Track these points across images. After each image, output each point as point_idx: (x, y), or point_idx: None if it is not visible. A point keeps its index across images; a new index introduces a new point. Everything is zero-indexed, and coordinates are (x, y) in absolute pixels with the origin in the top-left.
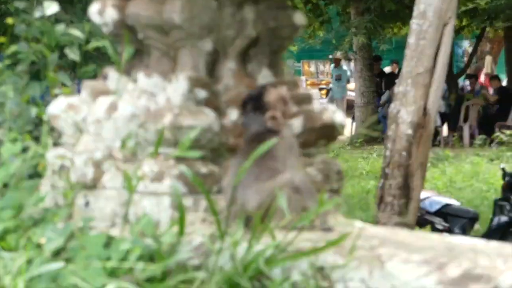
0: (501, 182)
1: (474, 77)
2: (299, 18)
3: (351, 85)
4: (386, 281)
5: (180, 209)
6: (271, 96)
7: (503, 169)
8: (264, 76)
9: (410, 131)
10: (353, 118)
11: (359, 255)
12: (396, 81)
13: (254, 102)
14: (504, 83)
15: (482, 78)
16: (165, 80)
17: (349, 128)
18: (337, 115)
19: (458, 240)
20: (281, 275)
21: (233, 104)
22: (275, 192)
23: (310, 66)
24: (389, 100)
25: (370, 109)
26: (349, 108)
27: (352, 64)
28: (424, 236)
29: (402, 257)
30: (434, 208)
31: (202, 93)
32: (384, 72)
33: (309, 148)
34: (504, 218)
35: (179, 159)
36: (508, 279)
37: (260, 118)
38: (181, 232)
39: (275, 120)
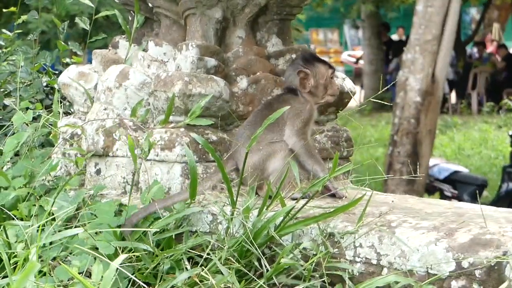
0: (509, 149)
1: (481, 44)
2: None
3: (358, 52)
4: (396, 247)
5: (192, 175)
6: (320, 67)
7: (511, 136)
8: (273, 44)
9: (418, 98)
10: (362, 86)
11: (368, 221)
12: (404, 48)
13: (302, 60)
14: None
15: (489, 46)
16: (175, 48)
17: (358, 95)
18: (346, 82)
19: (467, 207)
20: (292, 241)
21: (243, 72)
22: (270, 156)
23: (319, 34)
24: (398, 68)
25: (378, 77)
26: (358, 76)
27: (360, 31)
28: (433, 203)
29: (411, 223)
30: (443, 175)
31: (212, 61)
32: (392, 40)
33: (319, 116)
34: None
35: (190, 127)
36: None
37: (294, 74)
38: (192, 197)
39: (303, 81)
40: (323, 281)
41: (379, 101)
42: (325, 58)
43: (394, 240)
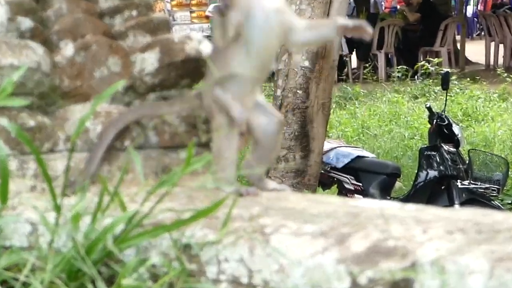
0: (428, 125)
1: None
2: None
3: None
4: (272, 261)
5: (3, 172)
6: None
7: (429, 109)
8: None
9: (307, 63)
10: None
11: (236, 227)
12: None
13: None
14: None
15: None
16: None
17: None
18: (204, 45)
19: (366, 204)
20: (136, 256)
21: (68, 36)
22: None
23: None
24: None
25: None
26: None
27: None
28: (321, 200)
29: (291, 228)
30: (341, 163)
31: (26, 22)
32: None
33: (169, 90)
34: (433, 173)
35: None
36: (429, 252)
37: None
38: (3, 201)
39: None
40: None
41: None
42: (186, 13)
43: (269, 251)
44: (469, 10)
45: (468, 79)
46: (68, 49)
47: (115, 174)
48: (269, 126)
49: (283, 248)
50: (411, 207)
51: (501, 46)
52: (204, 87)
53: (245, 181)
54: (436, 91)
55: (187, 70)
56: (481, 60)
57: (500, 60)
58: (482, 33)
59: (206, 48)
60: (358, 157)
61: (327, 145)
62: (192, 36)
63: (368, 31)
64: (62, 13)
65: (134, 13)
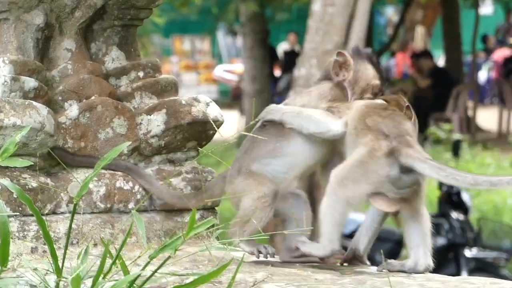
0: (437, 193)
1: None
2: None
3: (237, 66)
4: None
5: (4, 234)
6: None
7: None
8: (113, 59)
9: None
10: (242, 111)
11: None
12: (297, 61)
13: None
14: (441, 62)
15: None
16: None
17: (236, 123)
18: (211, 108)
19: (373, 271)
20: None
21: (73, 96)
22: None
23: (184, 43)
24: (289, 87)
25: (264, 99)
26: (236, 98)
27: (239, 39)
28: (326, 267)
29: None
30: (349, 229)
31: (31, 82)
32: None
33: (175, 153)
34: (441, 241)
35: (1, 170)
36: None
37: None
38: (3, 263)
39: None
40: None
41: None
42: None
43: None
44: (481, 76)
45: (479, 146)
46: (72, 109)
47: (117, 237)
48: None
49: None
50: (419, 275)
51: None
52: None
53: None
54: (446, 157)
55: (194, 133)
56: (493, 127)
57: None
58: (494, 99)
59: (213, 110)
60: None
61: None
62: (200, 98)
63: None
64: (67, 73)
65: (141, 74)
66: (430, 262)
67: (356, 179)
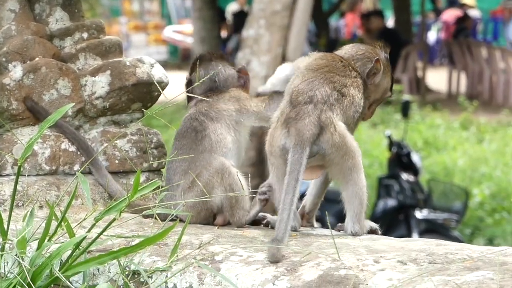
0: (387, 154)
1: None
2: None
3: (186, 27)
4: None
5: None
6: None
7: (389, 137)
8: (57, 20)
9: None
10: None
11: (185, 255)
12: (246, 21)
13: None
14: (390, 22)
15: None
16: None
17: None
18: (155, 69)
19: (317, 232)
20: (83, 283)
21: (17, 57)
22: None
23: (133, 4)
24: (238, 48)
25: None
26: (187, 58)
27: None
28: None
29: (242, 256)
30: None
31: None
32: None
33: (120, 114)
34: (391, 202)
35: None
36: (381, 282)
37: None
38: None
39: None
40: None
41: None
42: (142, 35)
43: (219, 279)
44: (431, 37)
45: (429, 107)
46: (16, 71)
47: (63, 200)
48: None
49: (233, 277)
50: (364, 237)
51: (462, 75)
52: None
53: None
54: (396, 119)
55: (138, 94)
56: (443, 88)
57: (462, 89)
58: (443, 60)
59: (158, 72)
60: None
61: None
62: (144, 59)
63: None
64: (10, 34)
65: (85, 35)
66: (356, 229)
67: None
